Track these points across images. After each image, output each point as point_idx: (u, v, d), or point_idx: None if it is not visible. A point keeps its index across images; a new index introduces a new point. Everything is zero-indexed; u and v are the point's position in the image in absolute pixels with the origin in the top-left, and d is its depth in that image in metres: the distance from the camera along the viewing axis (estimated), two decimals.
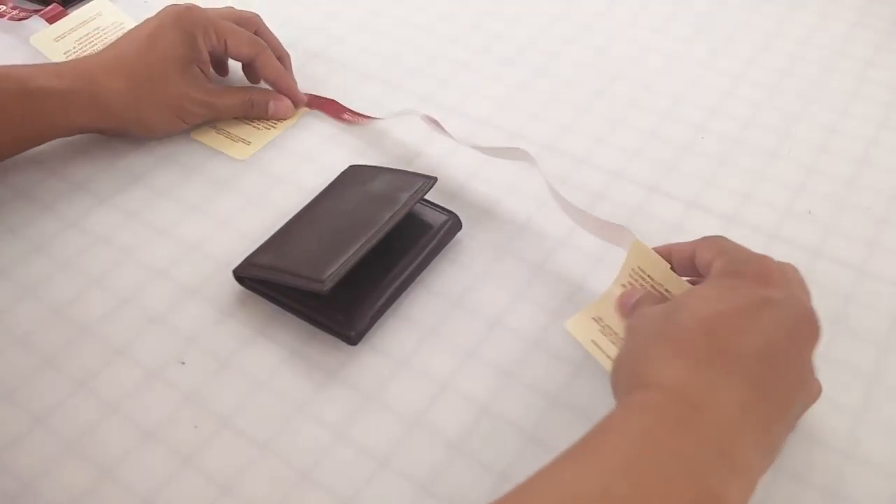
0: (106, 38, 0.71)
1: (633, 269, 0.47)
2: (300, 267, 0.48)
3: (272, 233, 0.52)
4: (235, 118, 0.63)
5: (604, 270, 0.50)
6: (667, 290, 0.44)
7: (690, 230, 0.54)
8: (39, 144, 0.58)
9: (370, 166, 0.57)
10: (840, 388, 0.45)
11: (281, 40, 0.65)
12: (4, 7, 0.74)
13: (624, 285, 0.47)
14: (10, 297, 0.51)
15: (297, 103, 0.63)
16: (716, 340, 0.36)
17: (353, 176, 0.56)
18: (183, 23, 0.58)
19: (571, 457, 0.34)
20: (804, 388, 0.38)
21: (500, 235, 0.54)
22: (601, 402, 0.42)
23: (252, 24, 0.63)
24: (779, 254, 0.41)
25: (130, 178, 0.58)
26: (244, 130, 0.62)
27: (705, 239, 0.43)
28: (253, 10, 0.64)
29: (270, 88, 0.63)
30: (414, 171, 0.55)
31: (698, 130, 0.62)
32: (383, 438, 0.43)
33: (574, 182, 0.58)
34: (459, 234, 0.53)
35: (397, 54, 0.70)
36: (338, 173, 0.57)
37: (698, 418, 0.34)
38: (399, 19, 0.74)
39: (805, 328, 0.38)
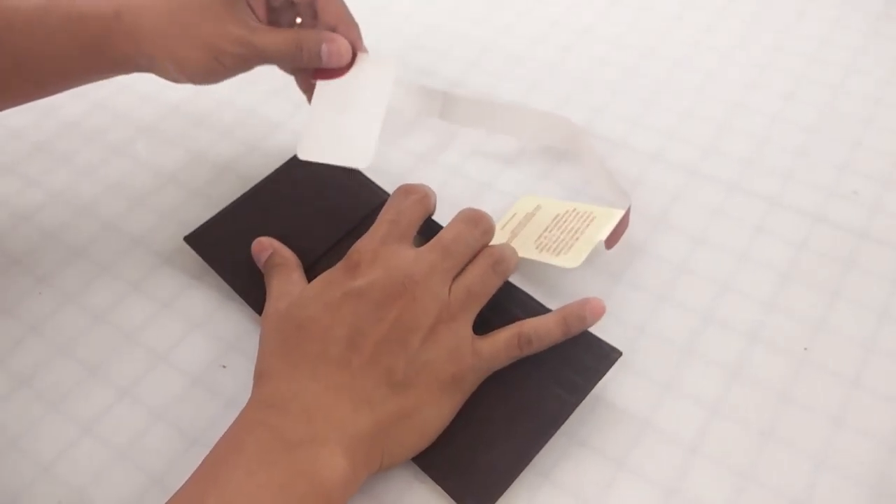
0: None
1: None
2: None
3: None
4: (284, 66, 0.53)
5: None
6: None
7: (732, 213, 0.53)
8: (86, 80, 0.53)
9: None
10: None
11: None
12: None
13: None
14: (51, 308, 0.52)
15: (356, 50, 0.53)
16: (305, 338, 0.41)
17: None
18: None
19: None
20: (403, 356, 0.41)
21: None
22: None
23: None
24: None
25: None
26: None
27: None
28: None
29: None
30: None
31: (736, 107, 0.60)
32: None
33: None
34: None
35: (449, 48, 0.68)
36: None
37: (284, 411, 0.39)
38: (447, 9, 0.72)
39: (391, 306, 0.41)
